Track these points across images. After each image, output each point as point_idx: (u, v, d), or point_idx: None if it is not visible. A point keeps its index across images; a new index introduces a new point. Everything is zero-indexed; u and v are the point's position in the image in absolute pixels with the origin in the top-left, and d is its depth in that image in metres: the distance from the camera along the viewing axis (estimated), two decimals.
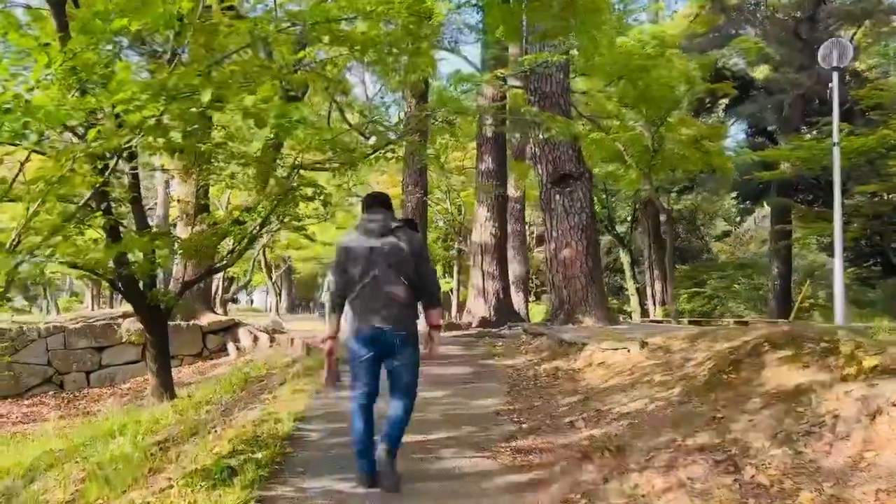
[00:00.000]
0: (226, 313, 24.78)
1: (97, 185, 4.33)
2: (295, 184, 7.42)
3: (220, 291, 25.90)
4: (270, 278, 32.34)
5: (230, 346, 14.10)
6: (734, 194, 28.88)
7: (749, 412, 4.14)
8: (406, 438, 3.77)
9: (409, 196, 13.55)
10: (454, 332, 11.09)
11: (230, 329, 14.55)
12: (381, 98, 16.10)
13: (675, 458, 3.62)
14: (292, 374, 6.74)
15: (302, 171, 8.12)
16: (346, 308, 3.70)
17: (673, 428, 4.26)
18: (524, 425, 4.82)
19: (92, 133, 3.71)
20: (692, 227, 35.45)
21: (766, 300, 22.78)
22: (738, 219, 38.64)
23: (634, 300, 25.03)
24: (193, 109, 3.56)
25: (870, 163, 16.96)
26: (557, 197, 10.09)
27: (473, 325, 11.88)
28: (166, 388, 8.50)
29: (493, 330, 11.17)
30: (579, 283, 9.76)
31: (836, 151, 12.85)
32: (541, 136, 10.29)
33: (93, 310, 21.13)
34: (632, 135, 12.97)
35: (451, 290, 38.34)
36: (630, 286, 25.52)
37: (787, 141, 19.58)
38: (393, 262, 3.60)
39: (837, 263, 12.26)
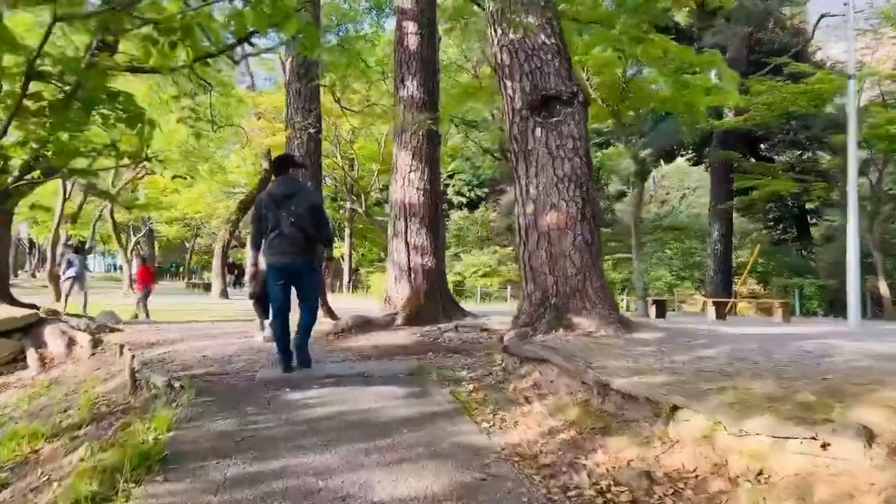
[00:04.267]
0: (57, 292, 19.45)
1: None
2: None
3: (48, 263, 20.37)
4: (122, 244, 26.66)
5: (30, 355, 9.52)
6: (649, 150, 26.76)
7: None
8: None
9: (298, 132, 9.45)
10: (373, 338, 7.32)
11: (31, 329, 9.92)
12: None
13: None
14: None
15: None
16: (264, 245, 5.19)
17: None
18: None
19: None
20: (597, 187, 33.38)
21: (701, 266, 20.75)
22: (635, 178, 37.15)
23: None
24: None
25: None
26: (538, 131, 6.48)
27: (398, 320, 8.16)
28: None
29: (432, 329, 7.56)
30: (571, 264, 6.27)
31: (852, 87, 10.14)
32: (511, 35, 6.58)
33: None
34: (604, 56, 9.58)
35: (343, 257, 34.14)
36: None
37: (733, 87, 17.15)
38: (301, 215, 5.09)
39: (851, 238, 9.64)
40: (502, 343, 5.81)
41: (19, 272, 49.46)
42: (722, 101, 10.94)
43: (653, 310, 11.67)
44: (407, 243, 8.79)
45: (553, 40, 6.53)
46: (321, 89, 10.93)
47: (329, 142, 24.13)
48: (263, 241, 5.20)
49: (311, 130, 9.41)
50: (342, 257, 34.15)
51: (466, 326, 7.50)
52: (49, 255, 20.41)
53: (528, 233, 6.55)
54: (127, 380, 6.36)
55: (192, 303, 20.32)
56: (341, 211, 33.85)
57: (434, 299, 8.71)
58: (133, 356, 7.32)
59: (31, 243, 51.32)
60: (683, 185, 39.69)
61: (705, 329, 6.78)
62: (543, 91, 6.50)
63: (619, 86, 10.31)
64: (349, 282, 33.40)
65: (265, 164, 24.28)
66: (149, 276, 12.37)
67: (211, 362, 6.21)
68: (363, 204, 28.80)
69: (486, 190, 36.82)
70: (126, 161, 4.61)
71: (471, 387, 4.80)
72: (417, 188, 8.90)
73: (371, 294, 29.90)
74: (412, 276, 8.71)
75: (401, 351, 6.47)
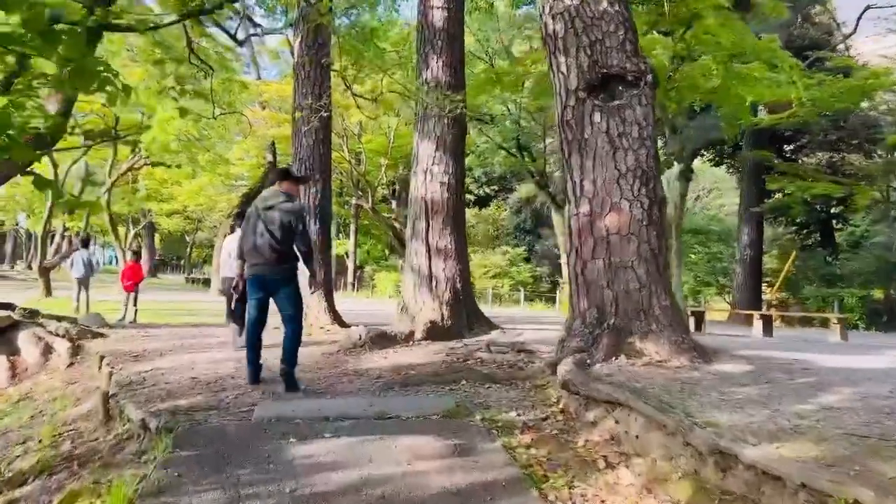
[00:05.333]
0: (47, 287, 18.38)
1: None
2: None
3: (37, 255, 19.30)
4: (117, 235, 25.61)
5: (0, 364, 8.52)
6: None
7: None
8: None
9: (306, 117, 8.38)
10: (391, 356, 6.26)
11: (4, 333, 8.89)
12: None
13: None
14: None
15: None
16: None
17: None
18: None
19: None
20: None
21: (727, 272, 19.66)
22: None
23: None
24: None
25: None
26: (597, 117, 5.41)
27: (418, 334, 7.09)
28: None
29: (458, 346, 6.50)
30: (635, 277, 5.20)
31: None
32: (566, 1, 5.50)
33: None
34: (652, 38, 8.50)
35: (347, 254, 33.05)
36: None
37: None
38: (273, 227, 5.05)
39: None
40: (554, 372, 4.75)
41: (17, 263, 48.45)
42: (783, 94, 9.81)
43: (691, 322, 10.65)
44: (428, 245, 7.73)
45: (617, 8, 5.45)
46: (331, 74, 9.86)
47: (336, 134, 23.02)
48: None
49: (324, 114, 8.34)
50: (346, 254, 33.08)
51: (499, 345, 6.43)
52: (40, 246, 19.33)
53: (581, 238, 5.48)
54: (98, 402, 5.36)
55: (188, 301, 19.27)
56: (346, 206, 32.78)
57: (458, 310, 7.65)
58: (111, 373, 6.27)
59: (29, 234, 50.29)
60: (699, 186, 38.53)
61: (792, 359, 5.69)
62: (604, 69, 5.42)
63: (666, 73, 9.22)
64: (353, 279, 32.35)
65: (269, 157, 23.24)
66: (139, 274, 11.16)
67: (199, 388, 5.16)
68: (370, 200, 27.70)
69: (495, 187, 35.69)
70: (87, 141, 3.53)
71: (527, 438, 3.74)
72: (441, 182, 7.84)
73: (377, 293, 28.83)
74: (433, 282, 7.65)
75: (426, 376, 5.40)
